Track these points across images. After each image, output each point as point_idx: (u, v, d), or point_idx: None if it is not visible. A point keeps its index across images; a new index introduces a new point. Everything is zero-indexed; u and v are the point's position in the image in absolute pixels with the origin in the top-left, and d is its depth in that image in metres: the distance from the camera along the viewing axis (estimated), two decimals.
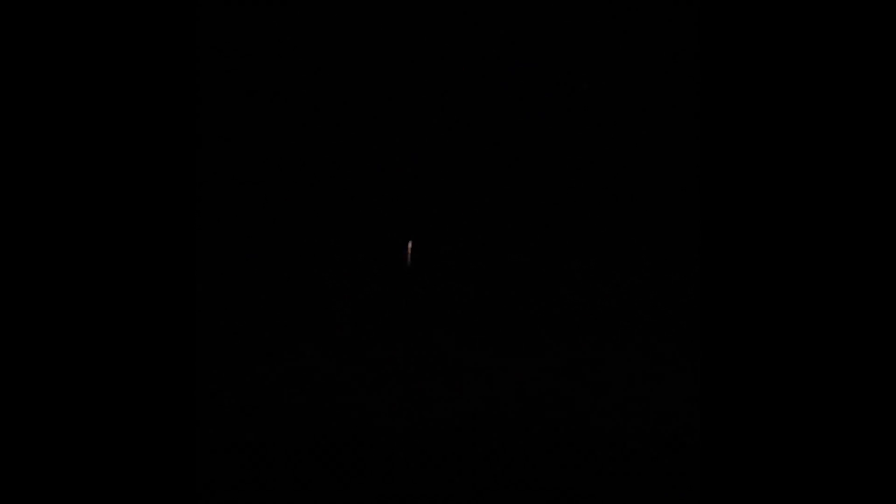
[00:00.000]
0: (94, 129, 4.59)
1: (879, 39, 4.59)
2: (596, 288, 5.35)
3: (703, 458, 4.65)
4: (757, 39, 4.68)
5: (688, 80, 5.12)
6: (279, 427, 5.19)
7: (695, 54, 4.92)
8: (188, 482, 4.62)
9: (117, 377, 4.54)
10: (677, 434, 5.06)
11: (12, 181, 4.50)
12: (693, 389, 4.85)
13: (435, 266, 5.38)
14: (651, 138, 5.34)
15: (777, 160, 4.64)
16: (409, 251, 4.98)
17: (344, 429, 5.22)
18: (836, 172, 4.59)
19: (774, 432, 4.56)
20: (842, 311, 4.54)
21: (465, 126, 5.39)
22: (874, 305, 4.52)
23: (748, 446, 4.57)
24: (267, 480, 5.12)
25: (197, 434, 4.79)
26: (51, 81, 4.57)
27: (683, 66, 5.18)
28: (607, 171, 5.38)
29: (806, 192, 4.61)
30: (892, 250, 4.53)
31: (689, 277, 4.99)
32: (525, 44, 5.39)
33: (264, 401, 5.21)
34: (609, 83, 5.37)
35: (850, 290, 4.54)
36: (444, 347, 5.32)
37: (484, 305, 5.35)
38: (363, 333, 5.33)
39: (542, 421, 5.23)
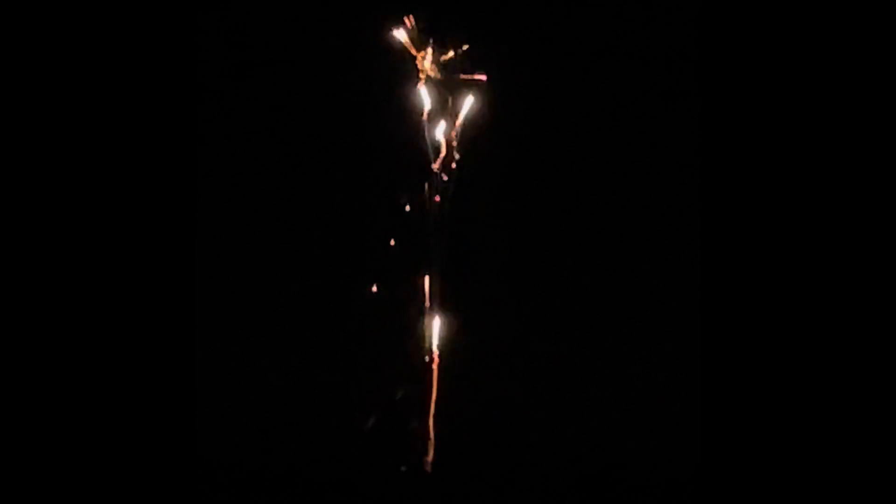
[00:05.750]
0: (95, 129, 4.62)
1: (879, 39, 4.59)
2: (595, 288, 5.37)
3: (702, 460, 4.67)
4: (756, 39, 4.69)
5: (688, 80, 5.12)
6: (278, 428, 5.22)
7: (695, 54, 4.94)
8: (188, 481, 4.65)
9: (118, 376, 4.56)
10: (677, 436, 5.08)
11: (12, 181, 4.51)
12: (693, 390, 4.85)
13: (433, 266, 5.40)
14: (650, 138, 5.36)
15: (776, 160, 4.65)
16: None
17: (343, 428, 5.25)
18: (834, 172, 4.59)
19: (774, 434, 4.56)
20: (842, 311, 4.54)
21: (463, 125, 5.42)
22: (877, 305, 4.53)
23: (748, 447, 4.58)
24: (266, 480, 5.15)
25: (197, 434, 4.81)
26: (51, 81, 4.59)
27: (684, 66, 5.19)
28: (606, 172, 5.40)
29: (805, 191, 4.61)
30: (891, 249, 4.54)
31: (688, 278, 5.00)
32: (524, 43, 5.41)
33: (263, 401, 5.23)
34: (609, 83, 5.39)
35: (850, 290, 4.54)
36: (443, 346, 5.34)
37: (482, 305, 5.37)
38: (363, 333, 5.35)
39: (542, 421, 5.25)
